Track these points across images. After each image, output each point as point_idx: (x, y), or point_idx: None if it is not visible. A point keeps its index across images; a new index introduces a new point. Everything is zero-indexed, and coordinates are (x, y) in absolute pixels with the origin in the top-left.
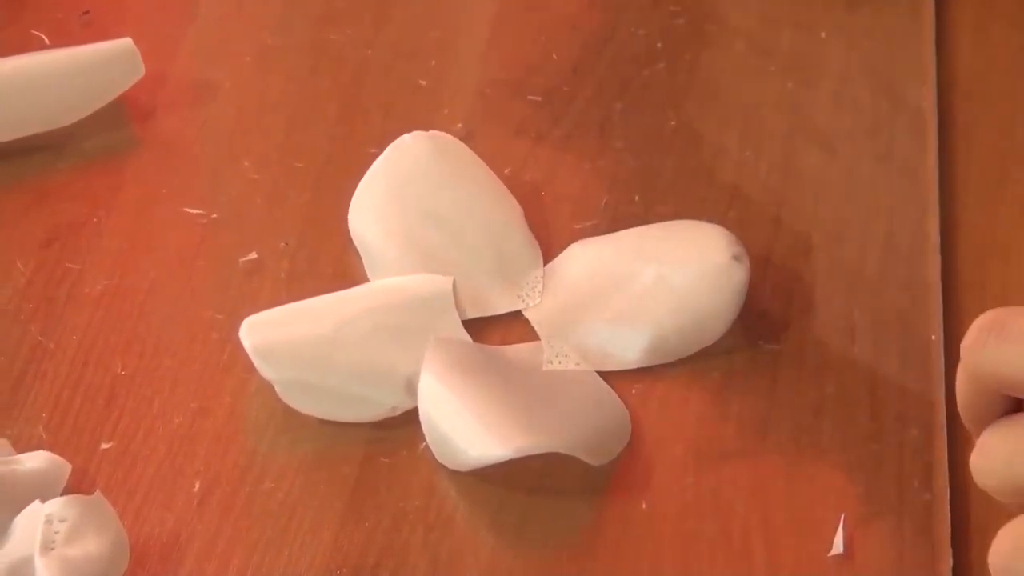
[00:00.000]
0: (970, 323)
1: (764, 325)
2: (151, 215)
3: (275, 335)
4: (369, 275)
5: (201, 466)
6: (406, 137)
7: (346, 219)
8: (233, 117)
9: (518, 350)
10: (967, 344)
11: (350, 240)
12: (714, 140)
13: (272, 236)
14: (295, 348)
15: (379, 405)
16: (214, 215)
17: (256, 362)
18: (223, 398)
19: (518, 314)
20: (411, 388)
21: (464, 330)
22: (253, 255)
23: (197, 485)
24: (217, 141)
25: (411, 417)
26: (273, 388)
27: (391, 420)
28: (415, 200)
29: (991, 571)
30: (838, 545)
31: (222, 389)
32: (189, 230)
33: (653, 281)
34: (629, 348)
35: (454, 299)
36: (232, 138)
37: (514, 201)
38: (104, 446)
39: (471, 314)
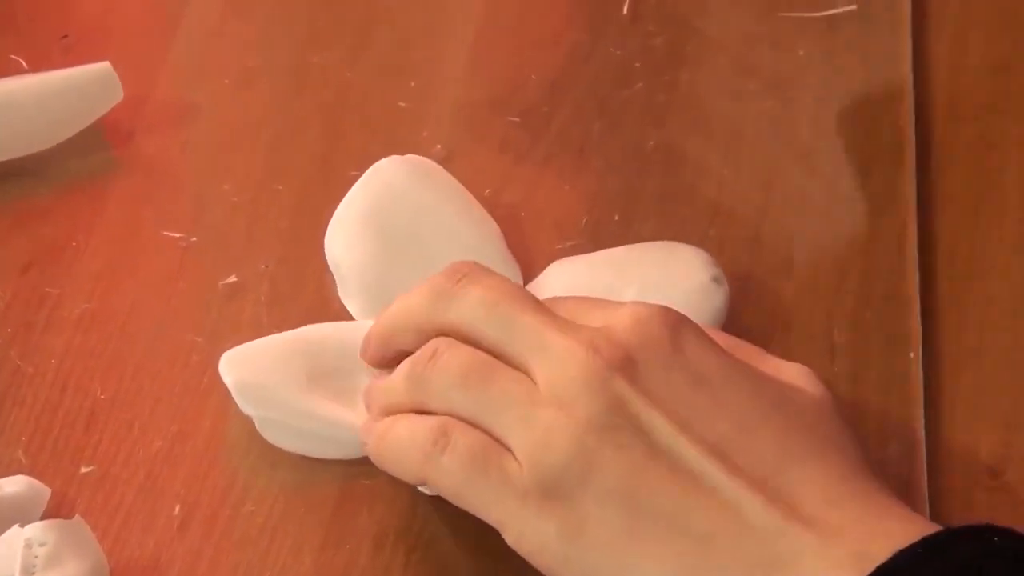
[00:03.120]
0: (950, 340)
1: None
2: (131, 238)
3: (254, 375)
4: (343, 300)
5: (181, 489)
6: (382, 162)
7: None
8: (214, 139)
9: None
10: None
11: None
12: (695, 159)
13: (252, 259)
14: (273, 390)
15: (358, 444)
16: (194, 238)
17: (236, 398)
18: (203, 421)
19: None
20: None
21: None
22: (233, 278)
23: (177, 509)
24: (198, 164)
25: None
26: None
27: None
28: (391, 224)
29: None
30: None
31: (202, 412)
32: (169, 253)
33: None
34: None
35: None
36: (213, 160)
37: (493, 222)
38: (84, 470)
39: None
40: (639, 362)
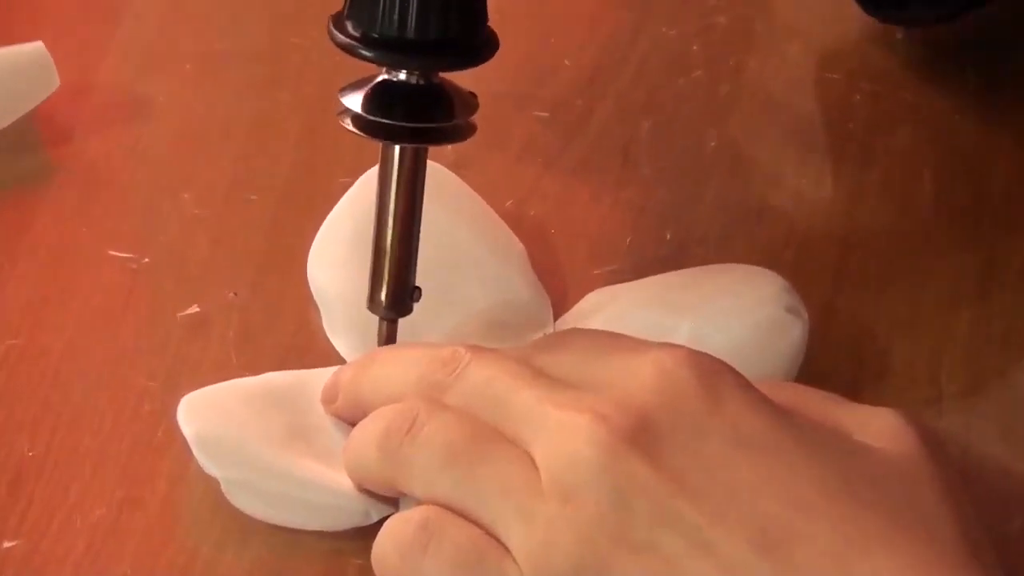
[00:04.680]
0: None
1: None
2: (68, 260)
3: (220, 426)
4: (330, 337)
5: (129, 569)
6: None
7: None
8: (171, 139)
9: None
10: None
11: None
12: (765, 164)
13: (218, 286)
14: (243, 446)
15: (348, 512)
16: (146, 259)
17: (197, 455)
18: (157, 485)
19: None
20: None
21: None
22: (195, 308)
23: None
24: (151, 169)
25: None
26: None
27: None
28: None
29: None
30: None
31: (156, 474)
32: (116, 278)
33: (688, 340)
34: None
35: None
36: (169, 165)
37: (517, 241)
38: (7, 544)
39: None
40: (661, 430)
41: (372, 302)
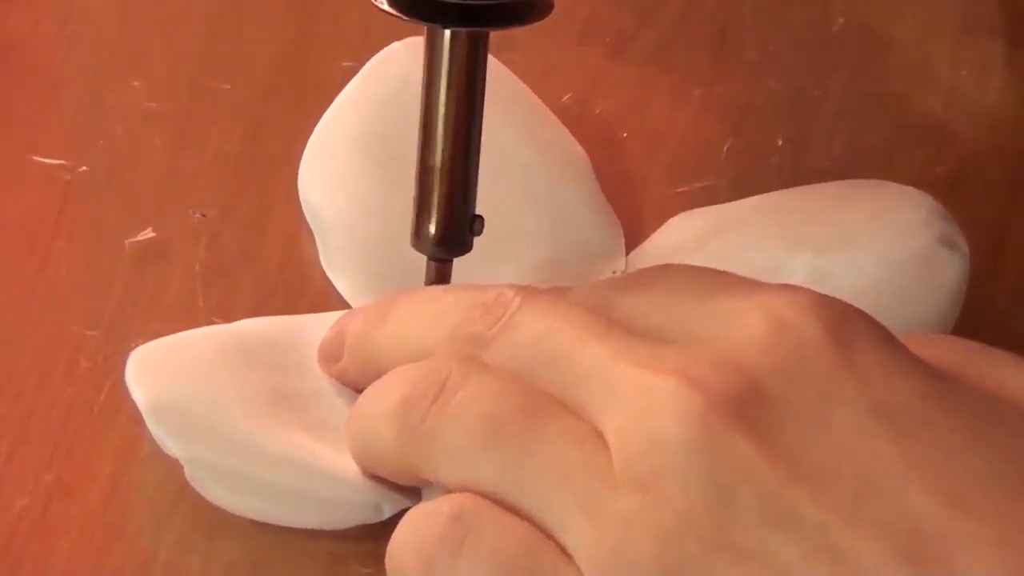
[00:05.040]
0: None
1: (997, 346)
2: None
3: (181, 390)
4: (327, 272)
5: None
6: (397, 46)
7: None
8: (116, 10)
9: None
10: (355, 336)
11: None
12: (909, 49)
13: (180, 203)
14: (212, 415)
15: (351, 505)
16: (83, 167)
17: (151, 428)
18: (98, 467)
19: None
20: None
21: None
22: (149, 233)
23: None
24: (90, 50)
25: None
26: None
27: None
28: (406, 150)
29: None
30: None
31: (97, 452)
32: (42, 192)
33: (806, 280)
34: None
35: None
36: (114, 45)
37: (577, 148)
38: None
39: None
40: (774, 399)
41: (417, 236)
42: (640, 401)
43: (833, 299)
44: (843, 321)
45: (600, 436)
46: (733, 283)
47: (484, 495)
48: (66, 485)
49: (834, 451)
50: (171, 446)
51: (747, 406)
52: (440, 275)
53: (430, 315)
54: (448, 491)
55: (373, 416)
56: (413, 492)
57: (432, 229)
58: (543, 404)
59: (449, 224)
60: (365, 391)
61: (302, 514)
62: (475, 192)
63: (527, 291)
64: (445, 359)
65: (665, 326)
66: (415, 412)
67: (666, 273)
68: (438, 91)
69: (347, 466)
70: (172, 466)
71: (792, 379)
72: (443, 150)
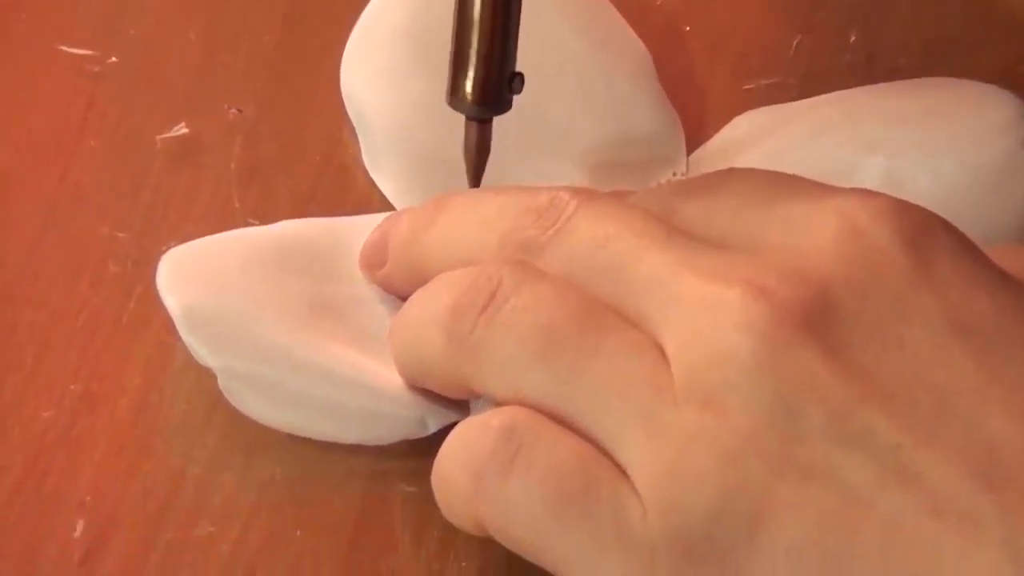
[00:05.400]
0: None
1: None
2: (2, 60)
3: (216, 296)
4: (371, 172)
5: (88, 496)
6: None
7: (340, 70)
8: None
9: None
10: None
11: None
12: None
13: (214, 97)
14: (248, 322)
15: (395, 419)
16: (113, 58)
17: (184, 336)
18: (127, 378)
19: None
20: None
21: None
22: (182, 128)
23: (80, 528)
24: None
25: (446, 433)
26: None
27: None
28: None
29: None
30: None
31: (126, 362)
32: (69, 84)
33: (880, 183)
34: None
35: None
36: None
37: (638, 42)
38: None
39: None
40: (846, 311)
41: (454, 94)
42: (703, 312)
43: (910, 204)
44: (921, 229)
45: (659, 348)
46: (803, 187)
47: (536, 409)
48: (93, 397)
49: (909, 368)
50: (204, 355)
51: (816, 319)
52: (480, 138)
53: (481, 218)
54: (498, 404)
55: (419, 324)
56: (460, 406)
57: (469, 86)
58: (600, 314)
59: (487, 80)
60: (411, 298)
61: (342, 428)
62: (515, 47)
63: (584, 194)
64: (497, 265)
65: (730, 232)
66: (464, 320)
67: (731, 176)
68: None
69: (390, 378)
70: (205, 378)
71: (865, 290)
72: (481, 1)
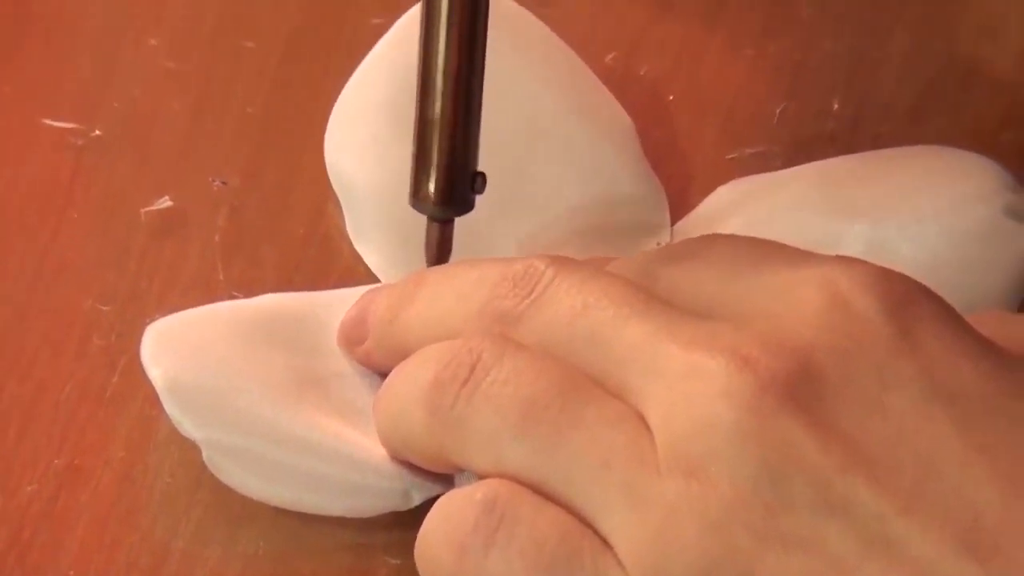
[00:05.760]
0: None
1: None
2: None
3: (200, 368)
4: (355, 244)
5: (71, 569)
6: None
7: (324, 142)
8: None
9: None
10: (380, 318)
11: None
12: (976, 5)
13: (199, 170)
14: (232, 395)
15: (381, 493)
16: (97, 132)
17: (168, 408)
18: (112, 451)
19: None
20: None
21: None
22: (166, 202)
23: None
24: (105, 5)
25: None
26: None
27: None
28: None
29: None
30: None
31: (110, 435)
32: (54, 157)
33: (864, 252)
34: None
35: None
36: (132, 1)
37: (620, 111)
38: None
39: None
40: (830, 380)
41: (416, 195)
42: (686, 381)
43: (893, 272)
44: (903, 296)
45: (641, 419)
46: (785, 254)
47: (519, 481)
48: (77, 470)
49: (892, 436)
50: (188, 427)
51: (800, 388)
52: (442, 237)
53: (458, 292)
54: (481, 478)
55: (402, 399)
56: (445, 479)
57: (432, 187)
58: (580, 385)
59: (449, 181)
60: (392, 372)
61: (327, 501)
62: (477, 147)
63: (560, 261)
64: (477, 338)
65: (712, 301)
66: (446, 395)
67: (713, 243)
68: (437, 36)
69: (374, 451)
70: (190, 451)
71: (848, 359)
72: (442, 101)
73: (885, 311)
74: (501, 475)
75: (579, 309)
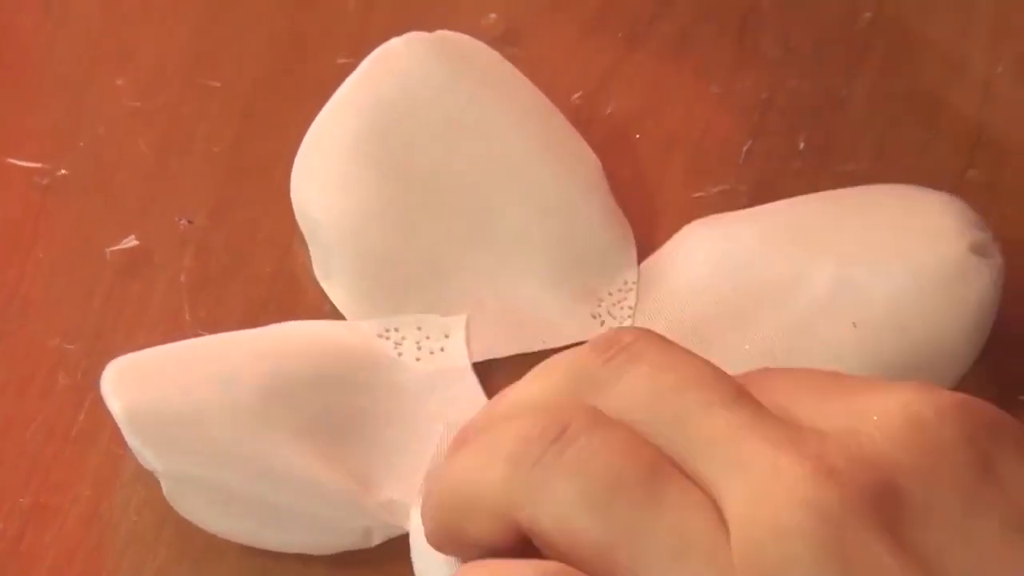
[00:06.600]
0: None
1: None
2: None
3: (161, 399)
4: (322, 282)
5: None
6: (396, 42)
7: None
8: (98, 4)
9: None
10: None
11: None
12: (940, 45)
13: (165, 209)
14: (194, 425)
15: (341, 530)
16: (62, 171)
17: (128, 438)
18: (78, 490)
19: None
20: (393, 504)
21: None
22: (132, 240)
23: None
24: (70, 45)
25: (398, 546)
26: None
27: (363, 551)
28: (408, 154)
29: None
30: None
31: (76, 474)
32: (20, 197)
33: (830, 290)
34: None
35: (467, 335)
36: (97, 40)
37: (587, 149)
38: None
39: (506, 351)
40: (912, 500)
41: None
42: (769, 482)
43: (976, 401)
44: (984, 423)
45: (717, 510)
46: (864, 382)
47: (583, 552)
48: (43, 509)
49: (974, 563)
50: (149, 458)
51: (883, 505)
52: None
53: (542, 377)
54: (523, 546)
55: (485, 453)
56: (405, 518)
57: None
58: (664, 468)
59: None
60: (467, 444)
61: (285, 536)
62: None
63: (642, 333)
64: (570, 407)
65: (793, 411)
66: (533, 449)
67: (785, 373)
68: None
69: (333, 487)
70: (156, 489)
71: (932, 481)
72: None
73: (966, 437)
74: (568, 543)
75: (664, 388)
